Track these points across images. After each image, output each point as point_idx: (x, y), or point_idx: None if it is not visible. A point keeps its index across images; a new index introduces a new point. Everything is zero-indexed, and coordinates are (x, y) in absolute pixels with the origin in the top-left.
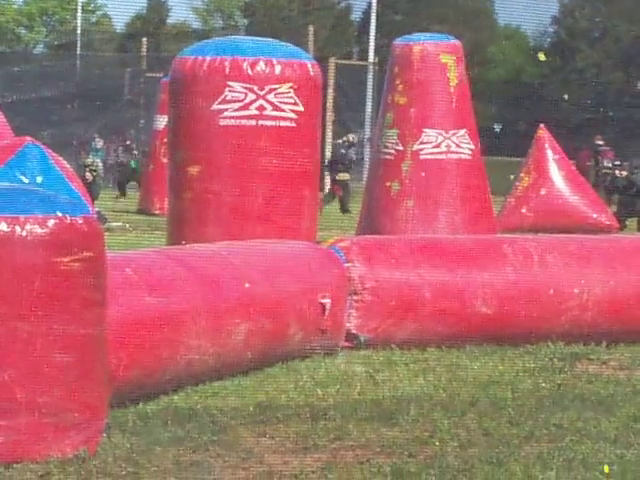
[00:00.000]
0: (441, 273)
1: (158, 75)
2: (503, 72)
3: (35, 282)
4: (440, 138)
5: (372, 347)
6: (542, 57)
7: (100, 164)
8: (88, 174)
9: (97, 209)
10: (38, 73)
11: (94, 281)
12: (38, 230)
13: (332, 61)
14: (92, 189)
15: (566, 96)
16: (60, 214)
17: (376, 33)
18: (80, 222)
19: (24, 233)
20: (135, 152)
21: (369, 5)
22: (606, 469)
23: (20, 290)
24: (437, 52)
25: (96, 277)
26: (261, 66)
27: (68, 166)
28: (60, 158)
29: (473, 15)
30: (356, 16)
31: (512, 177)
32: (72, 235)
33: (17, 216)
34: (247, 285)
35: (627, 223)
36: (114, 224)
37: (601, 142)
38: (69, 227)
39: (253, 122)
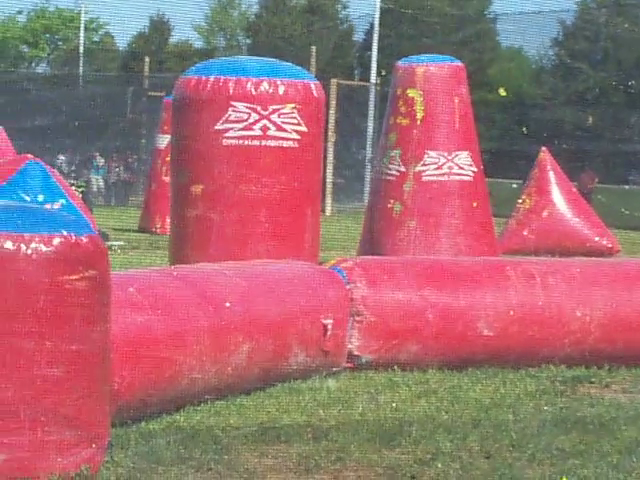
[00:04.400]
0: (443, 295)
1: (160, 94)
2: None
3: (40, 300)
4: (442, 160)
5: (374, 368)
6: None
7: (101, 181)
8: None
9: (99, 228)
10: (40, 91)
11: (99, 299)
12: (43, 248)
13: (334, 81)
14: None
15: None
16: (65, 232)
17: (378, 54)
18: (85, 240)
19: (29, 251)
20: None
21: (371, 26)
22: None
23: (25, 308)
24: (440, 74)
25: (100, 295)
26: (265, 86)
27: (68, 184)
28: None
29: (475, 37)
30: (358, 37)
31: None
32: (77, 253)
33: (22, 234)
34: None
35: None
36: (115, 243)
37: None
38: (74, 245)
39: (256, 142)
